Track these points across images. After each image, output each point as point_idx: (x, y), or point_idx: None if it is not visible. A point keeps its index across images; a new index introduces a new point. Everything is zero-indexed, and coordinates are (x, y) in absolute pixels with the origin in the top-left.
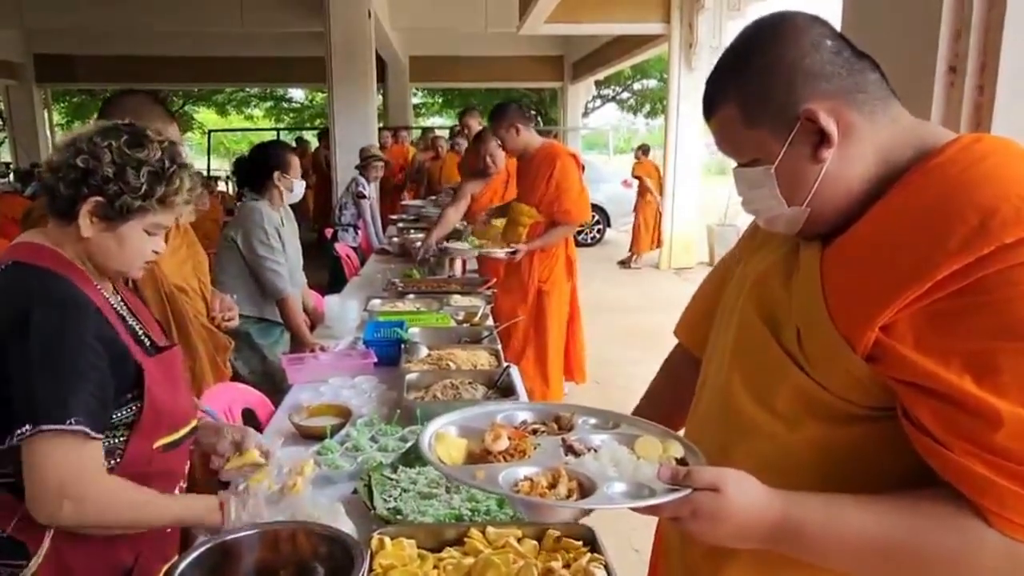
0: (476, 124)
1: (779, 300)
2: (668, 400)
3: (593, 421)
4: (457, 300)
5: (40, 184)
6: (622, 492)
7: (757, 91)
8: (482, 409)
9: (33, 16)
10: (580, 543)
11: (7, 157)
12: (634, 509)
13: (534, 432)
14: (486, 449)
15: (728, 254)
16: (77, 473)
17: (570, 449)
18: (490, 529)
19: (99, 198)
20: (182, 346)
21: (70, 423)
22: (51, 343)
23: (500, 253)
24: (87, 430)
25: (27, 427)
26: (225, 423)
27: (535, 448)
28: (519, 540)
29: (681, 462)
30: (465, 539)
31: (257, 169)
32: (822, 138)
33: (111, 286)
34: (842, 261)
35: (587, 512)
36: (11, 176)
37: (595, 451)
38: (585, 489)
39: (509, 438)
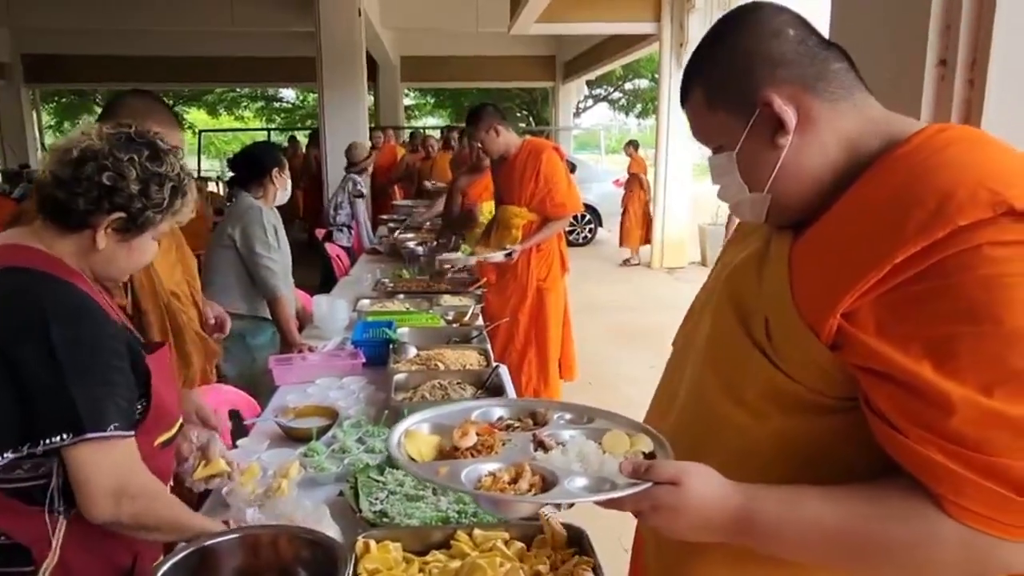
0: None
1: (750, 290)
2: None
3: (568, 416)
4: (447, 300)
5: (43, 196)
6: (583, 486)
7: (719, 77)
8: (458, 406)
9: (21, 15)
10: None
11: None
12: (596, 503)
13: (508, 428)
14: (455, 446)
15: (719, 258)
16: (128, 472)
17: (540, 444)
18: (477, 532)
19: (122, 214)
20: (178, 355)
21: (112, 429)
22: (79, 353)
23: (498, 256)
24: (124, 433)
25: (67, 435)
26: (191, 425)
27: (503, 444)
28: (506, 543)
29: (650, 456)
30: (452, 542)
31: (256, 166)
32: (779, 124)
33: (95, 286)
34: (809, 250)
35: (559, 507)
36: None
37: (564, 446)
38: (548, 483)
39: (478, 434)
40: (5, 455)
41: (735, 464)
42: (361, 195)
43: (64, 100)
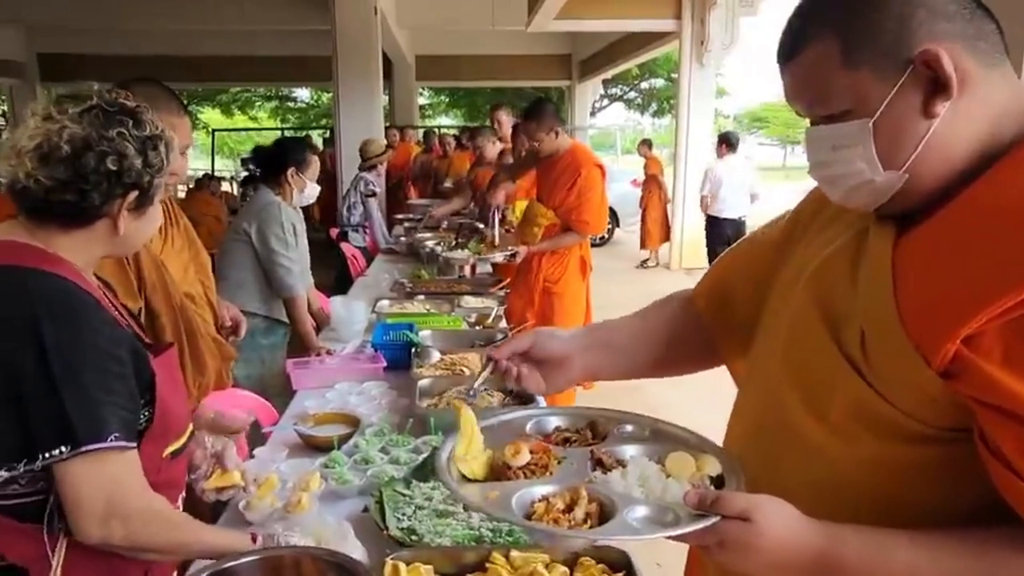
0: (507, 119)
1: (842, 293)
2: (659, 350)
3: (630, 428)
4: (468, 301)
5: (48, 202)
6: (643, 517)
7: (864, 24)
8: (513, 415)
9: (35, 15)
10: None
11: None
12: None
13: (565, 441)
14: (506, 464)
15: (769, 228)
16: (120, 489)
17: (599, 463)
18: (514, 553)
19: (136, 192)
20: (192, 360)
21: (111, 440)
22: (72, 358)
23: (499, 256)
24: (125, 444)
25: (63, 448)
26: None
27: (559, 463)
28: (547, 566)
29: (717, 480)
30: (487, 564)
31: (274, 162)
32: (937, 87)
33: (94, 280)
34: (920, 254)
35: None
36: None
37: (624, 466)
38: (605, 511)
39: (532, 452)
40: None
41: (813, 490)
42: (373, 194)
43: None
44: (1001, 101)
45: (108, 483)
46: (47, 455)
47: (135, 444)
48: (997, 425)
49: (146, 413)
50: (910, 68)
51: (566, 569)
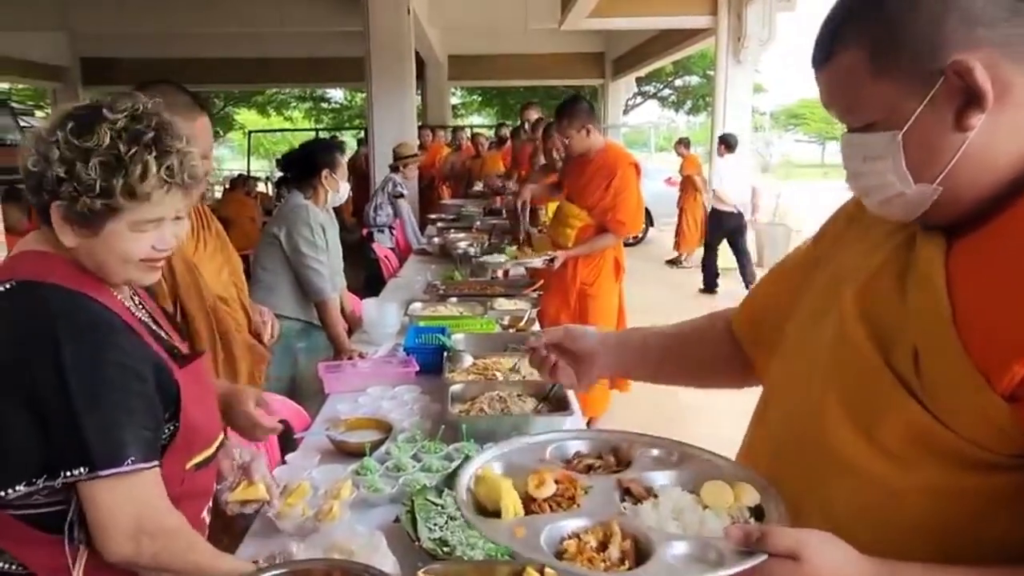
0: (535, 116)
1: (890, 309)
2: (692, 366)
3: (655, 453)
4: (502, 304)
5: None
6: (684, 555)
7: (893, 32)
8: (530, 440)
9: (79, 20)
10: None
11: None
12: None
13: (588, 468)
14: (530, 496)
15: (805, 248)
16: (148, 508)
17: (627, 492)
18: (549, 571)
19: (59, 202)
20: (225, 365)
21: (128, 464)
22: (91, 379)
23: (537, 262)
24: (144, 465)
25: (81, 470)
26: (239, 439)
27: (585, 492)
28: None
29: (755, 511)
30: None
31: (306, 165)
32: (970, 99)
33: (128, 289)
34: (978, 268)
35: None
36: None
37: (655, 496)
38: (641, 548)
39: (557, 482)
40: (17, 488)
41: (866, 519)
42: (401, 195)
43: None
44: None
45: (134, 504)
46: (68, 474)
47: (156, 462)
48: None
49: (169, 428)
50: (942, 79)
51: None
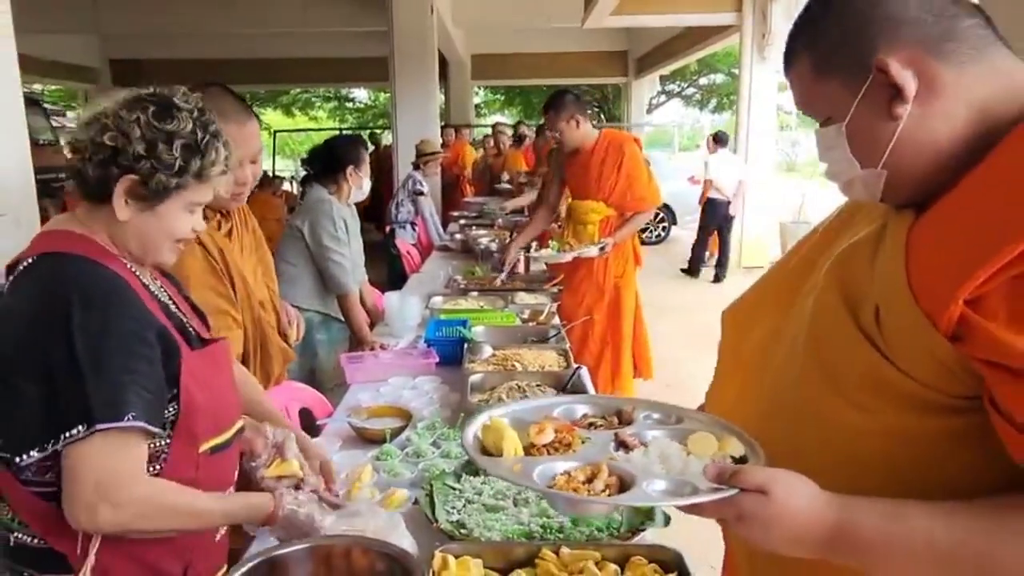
0: None
1: (861, 277)
2: None
3: (656, 416)
4: (522, 298)
5: (69, 169)
6: (662, 489)
7: (829, 40)
8: (541, 402)
9: (109, 23)
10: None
11: None
12: (677, 507)
13: (591, 426)
14: (531, 443)
15: (804, 244)
16: (115, 475)
17: (622, 444)
18: (564, 550)
19: (133, 177)
20: (260, 370)
21: (128, 419)
22: (97, 339)
23: (593, 251)
24: (146, 425)
25: (80, 428)
26: (268, 422)
27: (583, 442)
28: (597, 564)
29: (740, 460)
30: (537, 560)
31: (330, 161)
32: (896, 92)
33: (148, 273)
34: (929, 231)
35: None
36: None
37: (645, 446)
38: (625, 485)
39: (556, 431)
40: (30, 453)
41: (835, 467)
42: (421, 193)
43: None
44: (987, 92)
45: (101, 467)
46: (67, 435)
47: (157, 429)
48: (1003, 385)
49: (175, 406)
50: (870, 77)
51: (617, 567)
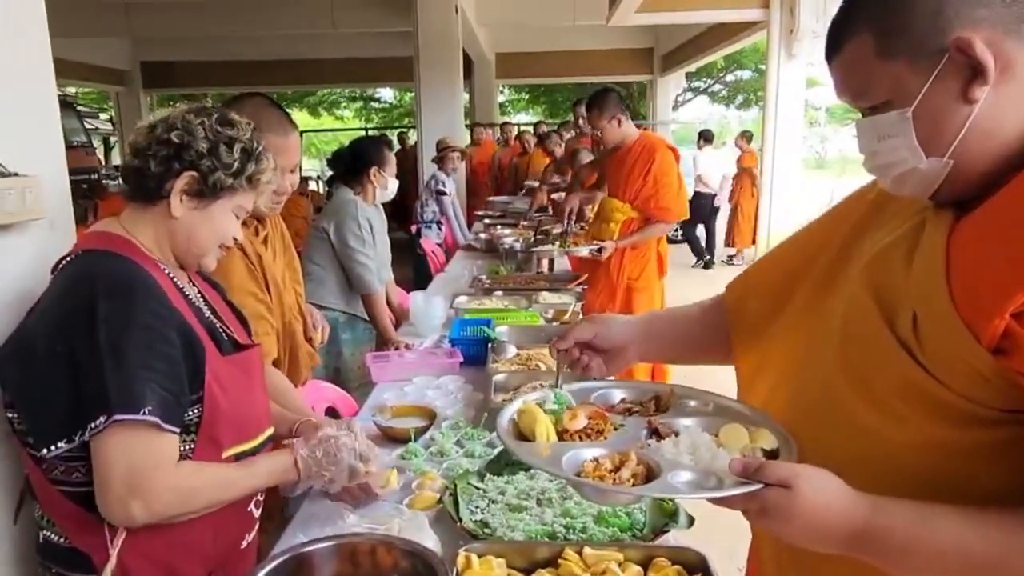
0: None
1: (896, 280)
2: (696, 342)
3: (693, 403)
4: (546, 297)
5: (124, 172)
6: (687, 481)
7: (898, 15)
8: (579, 385)
9: (140, 26)
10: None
11: (119, 160)
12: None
13: (628, 412)
14: (564, 428)
15: (808, 231)
16: (144, 467)
17: (654, 432)
18: (587, 550)
19: (193, 173)
20: (290, 372)
21: (144, 413)
22: (118, 332)
23: (584, 251)
24: (159, 421)
25: (101, 419)
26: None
27: (616, 429)
28: (620, 565)
29: (771, 454)
30: (560, 560)
31: (355, 162)
32: (974, 73)
33: (186, 277)
34: (974, 235)
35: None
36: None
37: (676, 435)
38: (652, 474)
39: (589, 417)
40: (58, 444)
41: (863, 471)
42: (443, 192)
43: (177, 104)
44: None
45: (132, 458)
46: (91, 427)
47: (173, 428)
48: None
49: (196, 410)
50: (946, 56)
51: (640, 568)
